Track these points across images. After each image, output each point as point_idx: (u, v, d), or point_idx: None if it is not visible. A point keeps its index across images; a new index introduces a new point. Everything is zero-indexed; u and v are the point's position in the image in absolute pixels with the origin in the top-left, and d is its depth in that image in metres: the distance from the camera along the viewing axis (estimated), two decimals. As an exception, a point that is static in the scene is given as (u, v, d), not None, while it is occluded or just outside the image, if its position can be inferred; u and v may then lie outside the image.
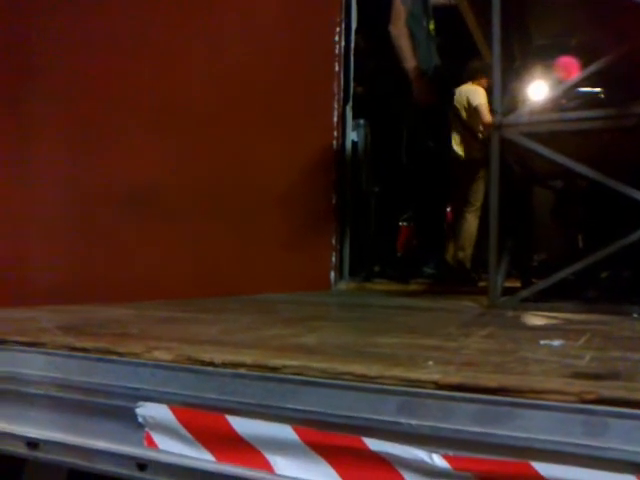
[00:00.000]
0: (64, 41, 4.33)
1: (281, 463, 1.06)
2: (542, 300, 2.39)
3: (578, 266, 2.37)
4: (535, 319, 2.16)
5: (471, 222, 3.87)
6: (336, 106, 3.78)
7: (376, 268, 3.96)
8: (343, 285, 3.69)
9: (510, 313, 2.25)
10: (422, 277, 3.83)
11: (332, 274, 3.69)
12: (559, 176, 3.20)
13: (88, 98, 4.24)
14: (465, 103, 3.80)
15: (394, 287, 3.56)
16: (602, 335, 1.65)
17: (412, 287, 3.57)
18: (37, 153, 4.39)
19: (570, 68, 2.68)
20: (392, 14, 3.67)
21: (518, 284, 2.99)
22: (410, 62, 3.66)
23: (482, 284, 3.34)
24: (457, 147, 3.85)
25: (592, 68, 2.43)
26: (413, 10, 3.71)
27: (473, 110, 3.74)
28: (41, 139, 4.38)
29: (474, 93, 3.75)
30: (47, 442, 1.27)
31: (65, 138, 4.33)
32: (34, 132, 4.40)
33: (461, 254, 3.87)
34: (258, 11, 3.92)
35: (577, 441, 0.84)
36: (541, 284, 2.43)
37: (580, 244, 3.44)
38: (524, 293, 2.46)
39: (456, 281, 3.67)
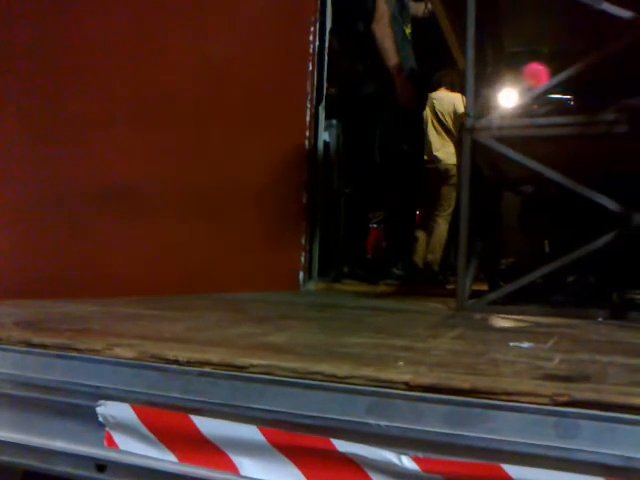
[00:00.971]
0: (36, 26, 4.21)
1: (247, 465, 1.03)
2: (509, 303, 2.40)
3: (545, 270, 2.40)
4: (503, 322, 2.17)
5: (442, 226, 3.91)
6: (309, 106, 3.75)
7: (345, 269, 3.95)
8: (312, 285, 3.66)
9: (478, 315, 2.25)
10: (391, 278, 3.83)
11: (301, 274, 3.66)
12: (529, 181, 3.24)
13: (62, 90, 4.13)
14: (451, 110, 3.84)
15: (363, 288, 3.55)
16: (569, 338, 1.66)
17: (381, 288, 3.57)
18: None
19: (539, 75, 2.72)
20: (376, 14, 3.67)
21: (485, 288, 3.01)
22: (393, 60, 3.66)
23: (450, 287, 3.36)
24: (436, 152, 3.88)
25: (562, 75, 2.46)
26: (394, 12, 3.72)
27: (458, 117, 3.78)
28: (5, 132, 4.25)
29: (459, 100, 3.79)
30: (0, 442, 1.21)
31: (35, 132, 4.20)
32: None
33: (430, 257, 3.91)
34: (239, 9, 3.88)
35: (549, 443, 0.83)
36: (509, 287, 2.45)
37: (547, 249, 3.48)
38: (492, 296, 2.47)
39: (424, 283, 3.69)
